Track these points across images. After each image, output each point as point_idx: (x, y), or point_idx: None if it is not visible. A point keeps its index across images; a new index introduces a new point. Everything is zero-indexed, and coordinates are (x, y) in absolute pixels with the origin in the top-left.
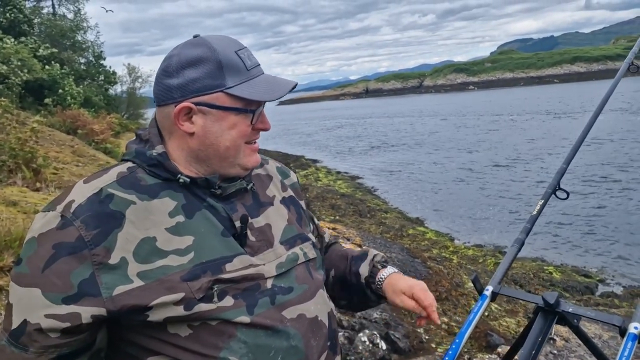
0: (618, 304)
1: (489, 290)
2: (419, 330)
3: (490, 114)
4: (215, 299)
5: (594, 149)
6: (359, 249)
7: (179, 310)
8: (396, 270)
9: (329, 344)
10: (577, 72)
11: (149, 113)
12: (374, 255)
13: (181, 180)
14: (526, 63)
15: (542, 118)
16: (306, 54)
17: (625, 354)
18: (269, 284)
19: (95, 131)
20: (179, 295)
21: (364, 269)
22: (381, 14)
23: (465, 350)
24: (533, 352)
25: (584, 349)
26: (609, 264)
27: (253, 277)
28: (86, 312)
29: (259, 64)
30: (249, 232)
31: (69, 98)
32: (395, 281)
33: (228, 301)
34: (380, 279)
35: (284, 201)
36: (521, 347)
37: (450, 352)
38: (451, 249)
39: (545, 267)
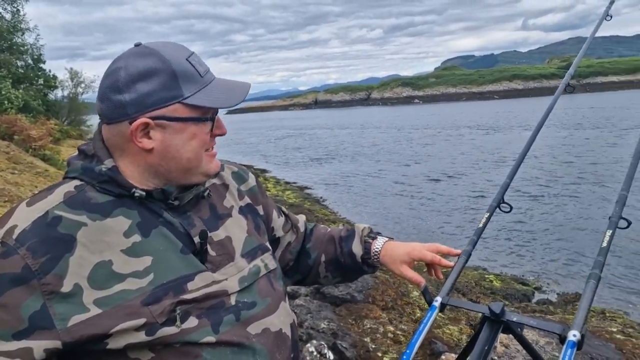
0: (553, 310)
1: (438, 301)
2: (365, 340)
3: (435, 127)
4: (178, 322)
5: (534, 163)
6: (341, 227)
7: (141, 336)
8: (387, 238)
9: (292, 355)
10: (516, 89)
11: (93, 120)
12: (362, 230)
13: (136, 194)
14: (468, 79)
15: (484, 132)
16: (256, 64)
17: None
18: (232, 300)
19: (32, 137)
20: (141, 321)
21: (357, 248)
22: (330, 26)
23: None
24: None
25: (523, 355)
26: (544, 272)
27: (216, 294)
28: (39, 346)
29: (209, 69)
30: (208, 247)
31: (6, 102)
32: (392, 251)
33: (192, 322)
34: (376, 252)
35: (241, 211)
36: (468, 355)
37: (404, 357)
38: None
39: (486, 276)
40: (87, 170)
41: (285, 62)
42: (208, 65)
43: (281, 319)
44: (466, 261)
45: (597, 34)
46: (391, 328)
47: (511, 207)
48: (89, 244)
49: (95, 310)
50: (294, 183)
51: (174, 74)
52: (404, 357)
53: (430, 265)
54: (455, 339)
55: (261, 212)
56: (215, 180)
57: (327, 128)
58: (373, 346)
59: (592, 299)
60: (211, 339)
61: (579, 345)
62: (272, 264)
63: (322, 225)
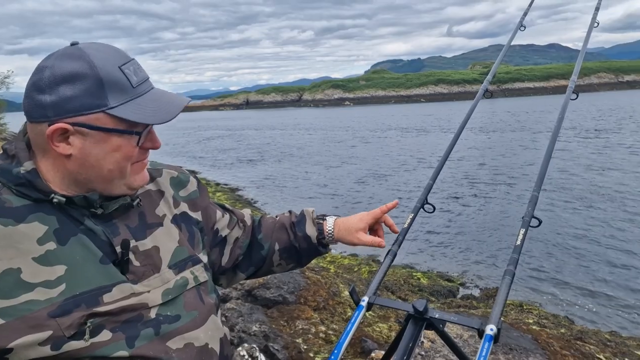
0: (476, 305)
1: (365, 301)
2: (297, 341)
3: (364, 129)
4: (87, 335)
5: (456, 165)
6: (288, 214)
7: (45, 351)
8: (334, 216)
9: None
10: (441, 93)
11: (8, 117)
12: (311, 213)
13: (55, 200)
14: (397, 82)
15: (412, 134)
16: (185, 62)
17: (484, 353)
18: (152, 313)
19: None
20: (45, 334)
21: (311, 231)
22: (262, 27)
23: (342, 358)
24: (405, 356)
25: (448, 349)
26: (468, 269)
27: (134, 307)
28: None
29: (148, 78)
30: (132, 257)
31: None
32: (344, 224)
33: (105, 335)
34: (330, 231)
35: (175, 220)
36: (394, 352)
37: (332, 357)
38: (328, 258)
39: (414, 274)
40: (5, 171)
41: (215, 61)
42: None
43: (208, 334)
44: (392, 261)
45: (515, 43)
46: (323, 328)
47: (434, 208)
48: None
49: None
50: (225, 185)
51: (100, 82)
52: (332, 357)
53: (372, 229)
54: (384, 337)
55: (199, 219)
56: (150, 186)
57: (258, 129)
58: (305, 347)
59: (508, 294)
60: (124, 353)
61: (495, 338)
62: (203, 277)
63: (269, 215)
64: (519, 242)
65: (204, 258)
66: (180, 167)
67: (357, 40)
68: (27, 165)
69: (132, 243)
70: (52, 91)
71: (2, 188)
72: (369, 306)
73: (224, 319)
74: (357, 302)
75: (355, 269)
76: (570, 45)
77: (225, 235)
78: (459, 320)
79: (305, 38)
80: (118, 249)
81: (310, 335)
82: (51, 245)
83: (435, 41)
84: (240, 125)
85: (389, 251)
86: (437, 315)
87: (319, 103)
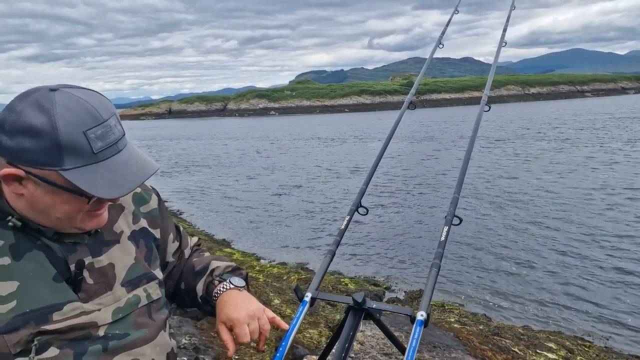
0: (402, 306)
1: (308, 296)
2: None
3: (292, 138)
4: (33, 354)
5: (385, 171)
6: (208, 258)
7: None
8: (233, 286)
9: None
10: (364, 103)
11: None
12: (213, 269)
13: (10, 223)
14: (321, 93)
15: (338, 142)
16: (102, 70)
17: (416, 336)
18: (101, 331)
19: None
20: None
21: (199, 287)
22: (184, 35)
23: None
24: (347, 344)
25: (377, 341)
26: (393, 272)
27: (83, 326)
28: None
29: (119, 139)
30: (87, 275)
31: None
32: (222, 306)
33: (52, 352)
34: (216, 296)
35: (132, 236)
36: (335, 344)
37: (277, 354)
38: (257, 268)
39: (342, 280)
40: None
41: (136, 69)
42: (61, 83)
43: (156, 349)
44: (331, 259)
45: (435, 56)
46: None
47: (367, 210)
48: None
49: None
50: None
51: (57, 144)
52: (281, 348)
53: (230, 344)
54: (315, 342)
55: (157, 236)
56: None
57: (181, 138)
58: (236, 357)
59: (434, 285)
60: None
61: (425, 322)
62: (156, 294)
63: (202, 251)
64: (443, 238)
65: (159, 274)
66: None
67: (281, 50)
68: None
69: (88, 260)
70: (12, 137)
71: None
72: (312, 301)
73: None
74: (301, 298)
75: (285, 278)
76: (482, 59)
77: (168, 262)
78: (394, 309)
79: (229, 47)
80: (72, 267)
81: (241, 346)
82: (5, 261)
83: (357, 53)
84: (161, 134)
85: (328, 251)
86: (374, 306)
87: (244, 113)
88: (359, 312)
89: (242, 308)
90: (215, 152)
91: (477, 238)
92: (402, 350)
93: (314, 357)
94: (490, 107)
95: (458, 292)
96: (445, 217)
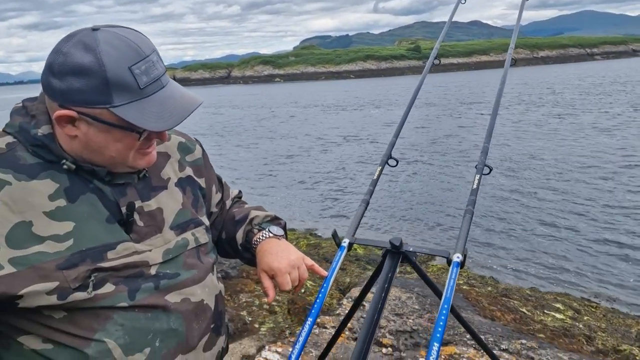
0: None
1: (346, 242)
2: (242, 313)
3: (296, 105)
4: (90, 288)
5: (411, 128)
6: (247, 208)
7: (52, 300)
8: (272, 235)
9: (212, 326)
10: (370, 69)
11: None
12: (252, 218)
13: (65, 166)
14: (326, 58)
15: (344, 109)
16: None
17: (453, 276)
18: (153, 270)
19: None
20: (53, 284)
21: (239, 235)
22: (185, 1)
23: (287, 326)
24: (386, 284)
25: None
26: (421, 223)
27: (136, 264)
28: None
29: (162, 75)
30: (137, 217)
31: None
32: (262, 254)
33: (108, 288)
34: (255, 244)
35: (179, 183)
36: (370, 288)
37: (318, 299)
38: None
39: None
40: (23, 130)
41: None
42: (58, 45)
43: (205, 290)
44: (365, 208)
45: (439, 20)
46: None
47: (397, 162)
48: (10, 203)
49: (9, 269)
50: None
51: (106, 81)
52: (322, 289)
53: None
54: (327, 304)
55: (203, 185)
56: (158, 149)
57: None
58: (250, 319)
59: (469, 228)
60: (125, 304)
61: (461, 264)
62: (204, 239)
63: (243, 202)
64: (475, 186)
65: (206, 221)
66: (187, 134)
67: (284, 15)
68: (45, 129)
69: (138, 204)
70: (62, 79)
71: (18, 145)
72: (350, 246)
73: (219, 275)
74: (338, 244)
75: (294, 243)
76: (490, 22)
77: (212, 212)
78: (431, 251)
79: (231, 13)
80: (124, 209)
81: (254, 308)
82: (61, 202)
83: (362, 17)
84: None
85: (362, 200)
86: (411, 249)
87: (248, 80)
88: (397, 255)
89: (283, 257)
90: (227, 119)
91: (485, 201)
92: (437, 293)
93: (326, 317)
94: (515, 61)
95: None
96: (476, 166)
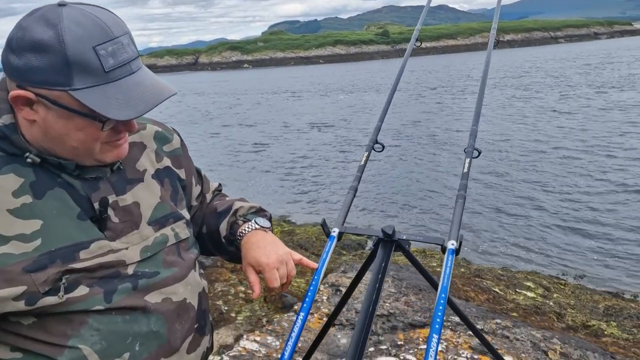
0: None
1: (335, 231)
2: (217, 303)
3: (264, 91)
4: (62, 292)
5: (395, 113)
6: (230, 200)
7: (20, 306)
8: (259, 226)
9: (196, 326)
10: (339, 54)
11: None
12: (237, 209)
13: (28, 160)
14: (295, 44)
15: (312, 95)
16: None
17: (449, 264)
18: (130, 270)
19: None
20: (19, 289)
21: (223, 227)
22: None
23: (263, 314)
24: (380, 275)
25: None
26: (410, 209)
27: (111, 264)
28: None
29: (132, 60)
30: (111, 213)
31: None
32: (249, 248)
33: (81, 291)
34: (240, 236)
35: (157, 175)
36: (361, 279)
37: (311, 287)
38: None
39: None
40: None
41: None
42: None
43: (188, 288)
44: (354, 195)
45: (407, 4)
46: (242, 288)
47: (383, 147)
48: None
49: None
50: None
51: (66, 60)
52: (313, 283)
53: (256, 286)
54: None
55: (182, 177)
56: (135, 138)
57: None
58: (226, 308)
59: (462, 214)
60: (101, 307)
61: (457, 251)
62: (185, 234)
63: (224, 195)
64: (465, 170)
65: (186, 214)
66: (164, 123)
67: (252, 0)
68: (6, 119)
69: (112, 198)
70: (20, 55)
71: None
72: (340, 236)
73: (202, 271)
74: (328, 234)
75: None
76: (456, 6)
77: (191, 206)
78: (425, 239)
79: None
80: (96, 205)
81: (230, 297)
82: (27, 199)
83: (331, 2)
84: None
85: (350, 187)
86: (404, 237)
87: (216, 66)
88: (389, 244)
89: (271, 252)
90: (193, 107)
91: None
92: (432, 282)
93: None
94: (498, 41)
95: (429, 233)
96: (465, 149)
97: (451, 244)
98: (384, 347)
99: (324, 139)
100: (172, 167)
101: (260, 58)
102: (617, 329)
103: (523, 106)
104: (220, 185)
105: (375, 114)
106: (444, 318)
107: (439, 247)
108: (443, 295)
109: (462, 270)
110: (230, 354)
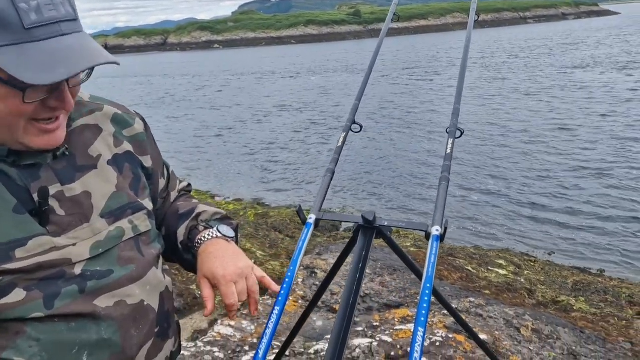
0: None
1: (312, 218)
2: (191, 287)
3: (235, 73)
4: None
5: (374, 93)
6: (195, 203)
7: None
8: (220, 235)
9: (157, 329)
10: (311, 34)
11: None
12: (200, 213)
13: None
14: (266, 24)
15: (283, 76)
16: None
17: (433, 252)
18: (78, 269)
19: None
20: None
21: (181, 231)
22: None
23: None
24: (360, 264)
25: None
26: (360, 202)
27: (54, 263)
28: None
29: (67, 20)
30: (55, 205)
31: None
32: (205, 257)
33: (17, 295)
34: (198, 243)
35: (114, 161)
36: (340, 266)
37: (287, 279)
38: None
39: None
40: None
41: None
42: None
43: (147, 289)
44: (331, 178)
45: None
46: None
47: (361, 127)
48: None
49: None
50: None
51: None
52: (289, 273)
53: (209, 301)
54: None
55: (147, 164)
56: (87, 120)
57: (125, 76)
58: (199, 293)
59: (446, 198)
60: (40, 314)
61: (441, 237)
62: (145, 226)
63: (191, 197)
64: (448, 151)
65: (149, 204)
66: (125, 106)
67: None
68: None
69: (56, 189)
70: None
71: None
72: (317, 223)
73: (166, 267)
74: (304, 221)
75: (241, 214)
76: None
77: (156, 200)
78: (407, 225)
79: None
80: (35, 196)
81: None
82: None
83: None
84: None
85: (327, 169)
86: (386, 223)
87: (186, 47)
88: (370, 230)
89: (229, 264)
90: (159, 89)
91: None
92: (416, 271)
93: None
94: (479, 16)
95: (409, 218)
96: (447, 129)
97: (436, 230)
98: (359, 328)
99: (296, 121)
100: (134, 153)
101: (231, 38)
102: (586, 303)
103: (493, 86)
104: (189, 185)
105: (349, 95)
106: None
107: (423, 232)
108: (428, 286)
109: None
110: (205, 340)
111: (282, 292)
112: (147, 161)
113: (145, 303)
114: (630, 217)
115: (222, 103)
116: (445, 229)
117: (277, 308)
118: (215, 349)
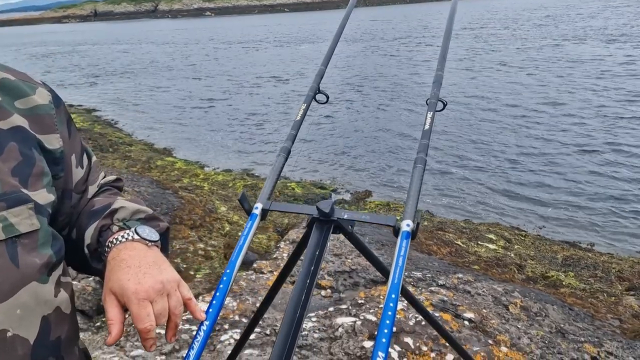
0: (348, 208)
1: (258, 208)
2: (176, 261)
3: (227, 41)
4: None
5: (343, 63)
6: (119, 198)
7: None
8: (138, 238)
9: None
10: (304, 2)
11: None
12: (116, 209)
13: None
14: None
15: (275, 45)
16: None
17: (402, 252)
18: None
19: None
20: None
21: (89, 232)
22: None
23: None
24: (313, 266)
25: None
26: (338, 175)
27: None
28: None
29: None
30: None
31: None
32: (114, 266)
33: None
34: (108, 247)
35: None
36: (295, 261)
37: (224, 277)
38: (201, 176)
39: (288, 184)
40: None
41: None
42: None
43: (16, 313)
44: (286, 159)
45: None
46: (201, 245)
47: (328, 97)
48: None
49: None
50: (79, 106)
51: None
52: (228, 270)
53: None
54: (264, 247)
55: (50, 146)
56: None
57: (114, 43)
58: (184, 266)
59: (421, 185)
60: None
61: (413, 234)
62: (28, 225)
63: (116, 193)
64: (427, 127)
65: (43, 197)
66: (27, 74)
67: None
68: None
69: None
70: None
71: None
72: (264, 213)
73: (68, 279)
74: (249, 211)
75: (230, 185)
76: None
77: (70, 194)
78: (371, 218)
79: None
80: None
81: (189, 254)
82: None
83: None
84: (85, 39)
85: (281, 149)
86: (345, 216)
87: (177, 14)
88: (327, 224)
89: (146, 276)
90: (146, 57)
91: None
92: (383, 271)
93: (263, 262)
94: None
95: (399, 189)
96: (427, 100)
97: (406, 225)
98: (344, 306)
99: (286, 91)
100: (29, 130)
101: (223, 6)
102: (575, 279)
103: (480, 59)
104: (118, 180)
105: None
106: (404, 274)
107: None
108: (394, 297)
109: (426, 223)
110: (184, 317)
111: (214, 302)
112: (52, 142)
113: (10, 334)
114: (621, 193)
115: (210, 72)
116: (418, 224)
117: (205, 323)
118: None
